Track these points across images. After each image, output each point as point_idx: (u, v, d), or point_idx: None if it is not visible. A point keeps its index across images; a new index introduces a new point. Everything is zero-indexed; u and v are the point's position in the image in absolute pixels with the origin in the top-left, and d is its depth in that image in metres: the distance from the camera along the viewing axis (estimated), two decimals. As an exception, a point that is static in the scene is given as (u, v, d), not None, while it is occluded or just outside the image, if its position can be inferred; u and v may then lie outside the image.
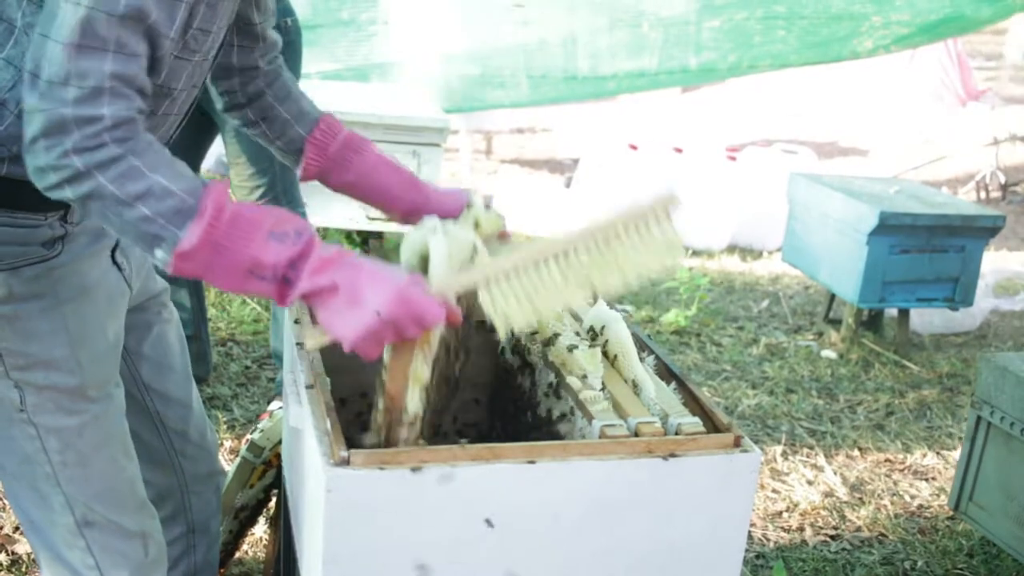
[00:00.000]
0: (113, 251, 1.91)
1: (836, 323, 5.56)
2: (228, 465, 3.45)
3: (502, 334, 1.71)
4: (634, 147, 7.90)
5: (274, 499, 2.80)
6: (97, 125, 1.46)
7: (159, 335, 2.19)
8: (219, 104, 2.15)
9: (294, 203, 3.74)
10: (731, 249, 7.60)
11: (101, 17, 1.45)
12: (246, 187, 3.65)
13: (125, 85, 1.50)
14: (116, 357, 1.95)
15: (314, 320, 1.66)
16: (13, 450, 1.86)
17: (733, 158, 7.97)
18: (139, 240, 1.52)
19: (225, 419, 3.81)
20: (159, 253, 1.51)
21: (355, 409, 2.33)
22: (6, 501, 3.10)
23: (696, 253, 7.44)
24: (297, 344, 2.06)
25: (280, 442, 2.56)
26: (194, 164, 3.76)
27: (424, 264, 1.75)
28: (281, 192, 3.70)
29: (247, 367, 4.33)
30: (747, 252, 7.60)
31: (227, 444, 3.65)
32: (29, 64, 1.48)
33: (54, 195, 1.51)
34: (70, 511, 1.90)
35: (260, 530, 3.09)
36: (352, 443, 1.68)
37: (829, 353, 5.29)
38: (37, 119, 1.46)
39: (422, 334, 1.65)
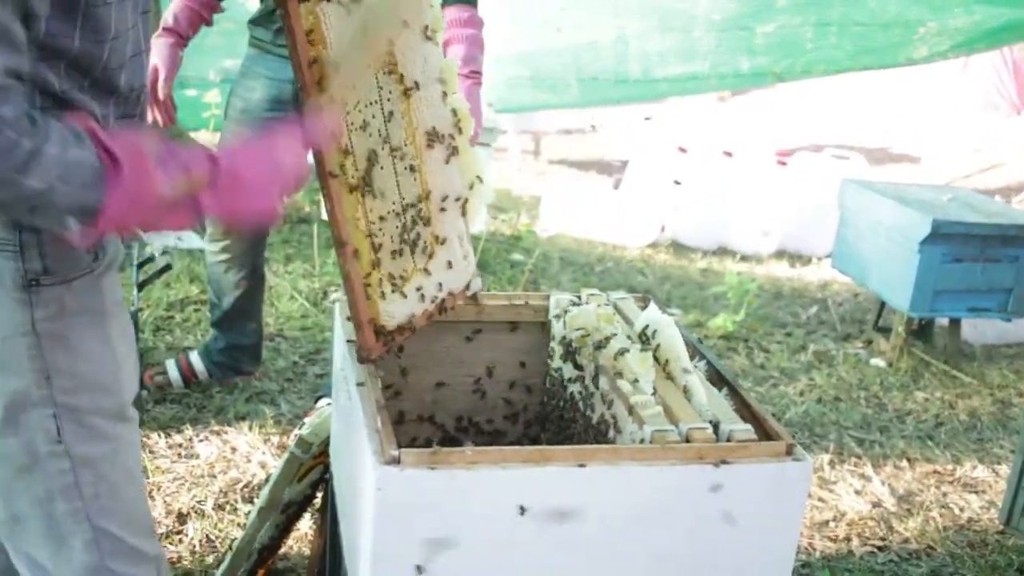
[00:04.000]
0: None
1: (886, 331, 5.51)
2: (275, 459, 3.48)
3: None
4: (683, 150, 7.88)
5: (320, 495, 2.81)
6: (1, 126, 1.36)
7: None
8: None
9: None
10: (780, 254, 7.56)
11: None
12: None
13: (17, 79, 1.40)
14: (137, 371, 1.89)
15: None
16: (34, 492, 1.71)
17: (783, 163, 7.93)
18: (49, 217, 1.48)
19: (272, 414, 3.83)
20: (71, 223, 1.48)
21: (397, 408, 2.34)
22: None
23: (744, 258, 7.40)
24: (349, 341, 2.07)
25: (328, 438, 2.57)
26: None
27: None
28: None
29: (295, 363, 4.36)
30: (796, 258, 7.55)
31: (274, 439, 3.67)
32: None
33: None
34: (95, 548, 1.75)
35: (305, 525, 3.11)
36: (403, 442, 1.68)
37: (878, 362, 5.24)
38: None
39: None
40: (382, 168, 1.91)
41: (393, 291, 1.95)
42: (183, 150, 1.54)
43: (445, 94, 2.06)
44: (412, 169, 1.97)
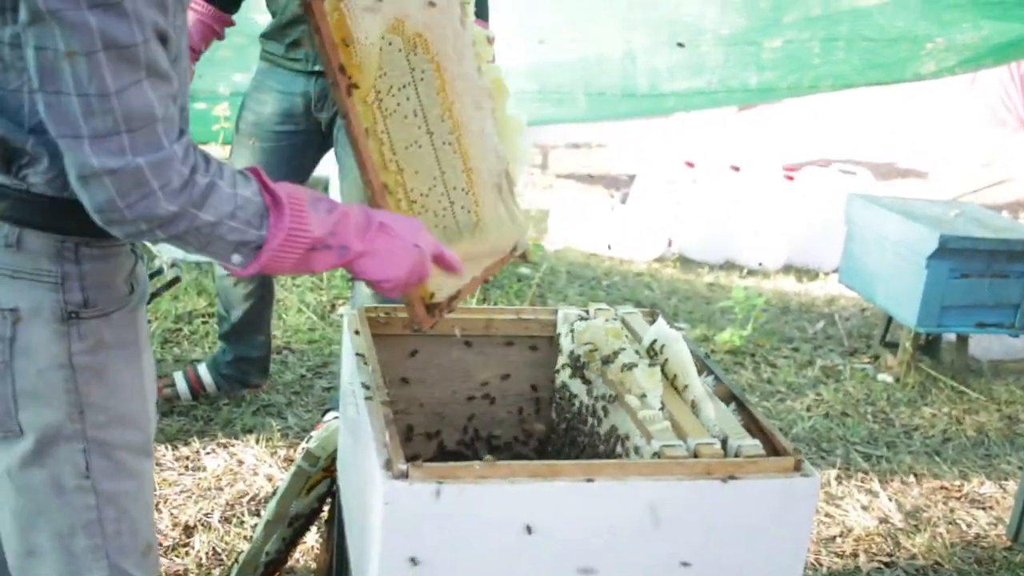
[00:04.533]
0: None
1: (893, 347, 5.50)
2: (282, 473, 3.48)
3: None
4: (691, 164, 7.88)
5: (327, 508, 2.82)
6: (174, 163, 1.42)
7: None
8: None
9: None
10: (787, 269, 7.55)
11: (123, 53, 1.36)
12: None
13: (167, 105, 1.43)
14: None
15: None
16: (55, 526, 1.67)
17: (791, 177, 7.93)
18: (220, 250, 1.52)
19: (279, 427, 3.83)
20: (237, 258, 1.52)
21: (405, 422, 2.35)
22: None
23: (751, 272, 7.40)
24: (357, 355, 2.07)
25: (335, 452, 2.57)
26: (300, 183, 3.76)
27: None
28: None
29: (302, 376, 4.36)
30: (803, 272, 7.55)
31: (281, 452, 3.67)
32: (58, 128, 1.39)
33: (140, 239, 1.51)
34: None
35: (312, 538, 3.11)
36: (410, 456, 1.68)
37: (885, 377, 5.23)
38: (107, 182, 1.39)
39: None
40: (420, 147, 1.91)
41: None
42: (330, 199, 1.62)
43: (479, 65, 2.08)
44: (450, 143, 1.98)
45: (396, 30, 1.84)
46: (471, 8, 2.08)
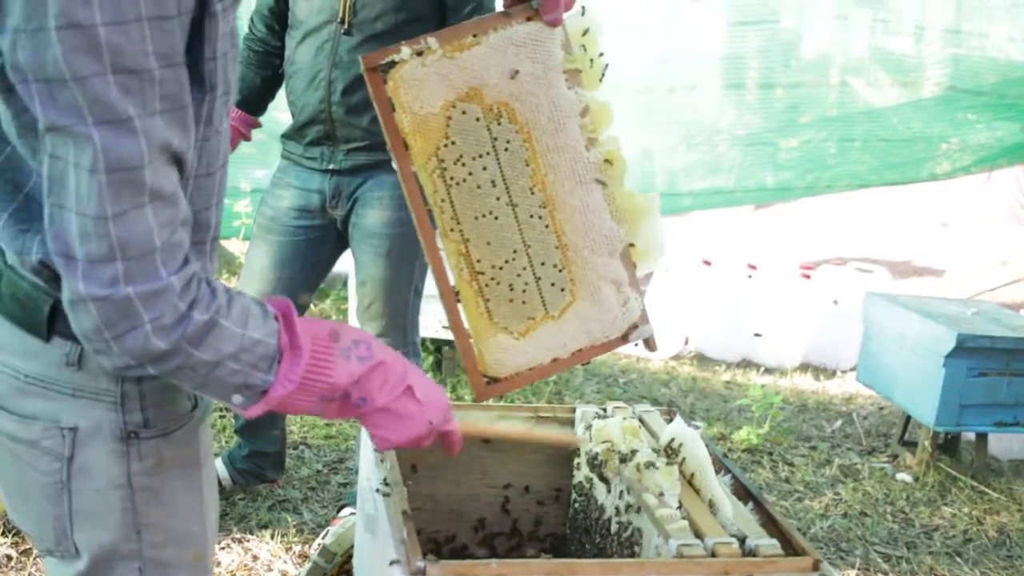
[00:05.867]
0: None
1: (911, 445, 5.46)
2: (297, 569, 3.46)
3: None
4: (707, 263, 7.91)
5: (342, 606, 2.80)
6: (169, 296, 1.34)
7: None
8: None
9: (412, 345, 3.73)
10: (804, 367, 7.53)
11: (127, 176, 1.28)
12: (370, 311, 3.65)
13: (171, 231, 1.35)
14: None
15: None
16: None
17: (807, 276, 7.95)
18: (218, 391, 1.46)
19: (294, 522, 3.82)
20: (238, 399, 1.46)
21: (420, 518, 2.34)
22: None
23: (769, 371, 7.38)
24: (375, 450, 2.08)
25: (352, 548, 2.57)
26: (318, 279, 3.82)
27: None
28: (404, 327, 3.66)
29: (318, 471, 4.36)
30: (820, 371, 7.53)
31: (296, 548, 3.65)
32: (55, 245, 1.32)
33: (130, 374, 1.45)
34: None
35: (326, 637, 3.08)
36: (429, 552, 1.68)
37: (904, 476, 5.19)
38: (92, 310, 1.32)
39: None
40: (496, 219, 1.90)
41: (511, 339, 1.94)
42: (376, 343, 1.56)
43: (591, 137, 1.99)
44: (540, 217, 1.94)
45: (472, 99, 1.85)
46: (587, 77, 1.98)
